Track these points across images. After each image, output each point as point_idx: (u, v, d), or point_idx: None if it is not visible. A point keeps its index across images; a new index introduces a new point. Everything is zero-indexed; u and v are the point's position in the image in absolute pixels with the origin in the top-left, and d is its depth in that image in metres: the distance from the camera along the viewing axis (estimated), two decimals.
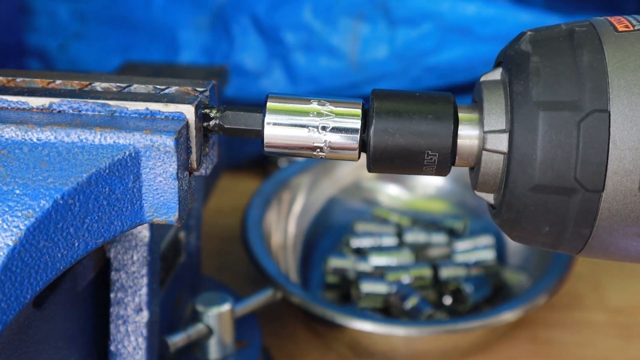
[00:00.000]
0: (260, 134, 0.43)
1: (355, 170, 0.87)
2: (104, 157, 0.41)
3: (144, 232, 0.52)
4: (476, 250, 0.79)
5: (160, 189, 0.42)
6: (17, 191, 0.38)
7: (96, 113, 0.43)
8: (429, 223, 0.84)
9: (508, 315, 0.67)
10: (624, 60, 0.39)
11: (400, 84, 0.89)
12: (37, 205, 0.38)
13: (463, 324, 0.68)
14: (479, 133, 0.41)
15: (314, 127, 0.42)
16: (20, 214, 0.38)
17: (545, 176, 0.39)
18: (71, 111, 0.43)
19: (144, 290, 0.53)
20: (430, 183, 0.88)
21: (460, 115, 0.42)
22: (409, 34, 0.87)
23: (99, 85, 0.45)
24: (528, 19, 0.85)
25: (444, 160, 0.41)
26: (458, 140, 0.41)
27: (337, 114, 0.42)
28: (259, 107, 0.43)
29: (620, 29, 0.40)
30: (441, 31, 0.86)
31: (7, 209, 0.38)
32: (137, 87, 0.45)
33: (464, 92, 0.84)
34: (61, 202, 0.39)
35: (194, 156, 0.43)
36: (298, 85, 0.89)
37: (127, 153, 0.41)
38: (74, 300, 0.51)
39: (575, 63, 0.39)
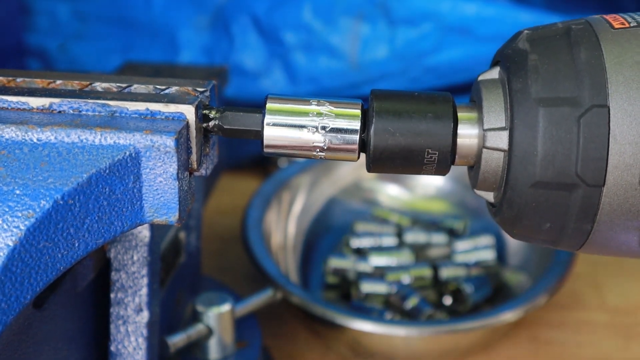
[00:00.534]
0: (259, 134, 0.43)
1: (355, 170, 0.87)
2: (104, 157, 0.41)
3: (144, 232, 0.52)
4: (476, 250, 0.79)
5: (161, 189, 0.42)
6: (18, 191, 0.38)
7: (96, 113, 0.43)
8: (429, 223, 0.84)
9: (508, 315, 0.67)
10: (622, 56, 0.39)
11: (400, 84, 0.89)
12: (38, 206, 0.38)
13: (463, 324, 0.68)
14: (478, 131, 0.41)
15: (313, 127, 0.42)
16: (20, 214, 0.38)
17: (546, 172, 0.39)
18: (71, 111, 0.43)
19: (144, 291, 0.53)
20: (430, 183, 0.88)
21: (459, 114, 0.42)
22: (409, 34, 0.87)
23: (99, 86, 0.45)
24: (528, 19, 0.85)
25: (443, 159, 0.41)
26: (458, 139, 0.41)
27: (337, 115, 0.42)
28: (259, 107, 0.43)
29: (616, 26, 0.40)
30: (441, 31, 0.86)
31: (7, 209, 0.38)
32: (137, 88, 0.45)
33: (464, 92, 0.84)
34: (61, 202, 0.39)
35: (194, 156, 0.43)
36: (298, 85, 0.89)
37: (128, 153, 0.41)
38: (74, 300, 0.51)
39: (573, 60, 0.39)
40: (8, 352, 0.44)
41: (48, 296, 0.47)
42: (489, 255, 0.79)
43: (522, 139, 0.39)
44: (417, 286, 0.76)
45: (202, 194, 0.69)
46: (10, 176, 0.39)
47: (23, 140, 0.41)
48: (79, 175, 0.40)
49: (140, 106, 0.43)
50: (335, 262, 0.78)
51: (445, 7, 0.86)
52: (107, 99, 0.43)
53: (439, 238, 0.81)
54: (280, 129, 0.42)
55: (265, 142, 0.42)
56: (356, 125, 0.42)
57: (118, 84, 0.45)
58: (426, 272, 0.77)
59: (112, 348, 0.54)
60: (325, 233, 0.84)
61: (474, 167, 0.42)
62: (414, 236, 0.81)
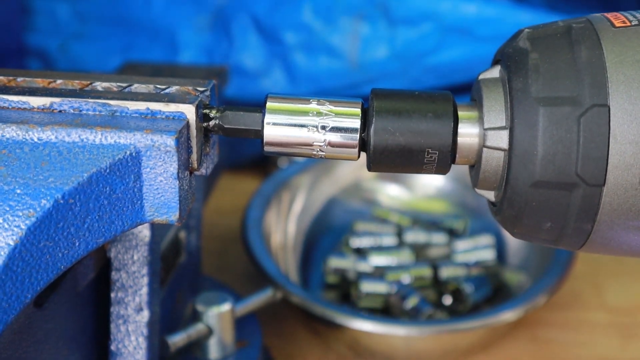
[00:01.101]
0: (259, 133, 0.43)
1: (355, 170, 0.87)
2: (105, 156, 0.41)
3: (144, 231, 0.52)
4: (476, 250, 0.79)
5: (161, 188, 0.42)
6: (18, 191, 0.38)
7: (97, 113, 0.43)
8: (429, 223, 0.84)
9: (508, 315, 0.67)
10: (622, 55, 0.39)
11: (400, 84, 0.89)
12: (38, 205, 0.38)
13: (463, 324, 0.68)
14: (478, 130, 0.41)
15: (313, 126, 0.42)
16: (21, 214, 0.38)
17: (547, 172, 0.39)
18: (72, 111, 0.43)
19: (145, 290, 0.53)
20: (430, 183, 0.88)
21: (459, 113, 0.42)
22: (409, 34, 0.87)
23: (99, 85, 0.45)
24: (528, 19, 0.85)
25: (444, 158, 0.41)
26: (458, 138, 0.41)
27: (337, 114, 0.42)
28: (259, 107, 0.43)
29: (617, 25, 0.40)
30: (441, 31, 0.86)
31: (8, 209, 0.38)
32: (137, 87, 0.45)
33: (464, 92, 0.84)
34: (62, 201, 0.39)
35: (194, 156, 0.43)
36: (298, 85, 0.90)
37: (128, 153, 0.41)
38: (75, 299, 0.51)
39: (573, 59, 0.39)
40: (9, 351, 0.44)
41: (49, 295, 0.47)
42: (489, 255, 0.79)
43: (522, 139, 0.39)
44: (417, 286, 0.76)
45: (202, 194, 0.69)
46: (11, 175, 0.39)
47: (24, 140, 0.41)
48: (79, 175, 0.40)
49: (141, 106, 0.43)
50: (335, 262, 0.78)
51: (445, 7, 0.86)
52: (107, 99, 0.43)
53: (439, 238, 0.81)
54: (281, 128, 0.42)
55: (266, 141, 0.42)
56: (356, 124, 0.42)
57: (118, 84, 0.45)
58: (426, 271, 0.77)
59: (113, 347, 0.54)
60: (325, 233, 0.84)
61: (475, 166, 0.42)
62: (414, 236, 0.81)
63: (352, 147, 0.42)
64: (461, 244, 0.80)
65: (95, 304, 0.54)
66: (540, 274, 0.72)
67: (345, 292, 0.78)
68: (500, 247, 0.80)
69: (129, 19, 0.92)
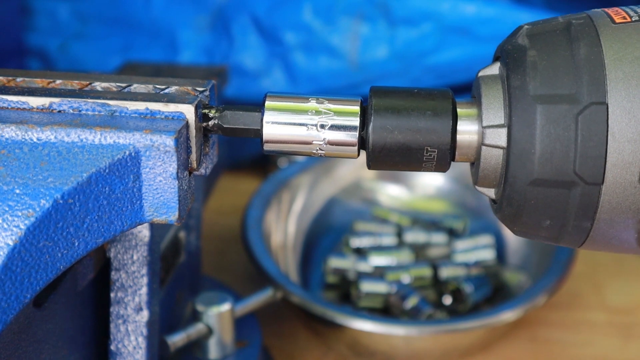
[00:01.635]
0: (259, 133, 0.43)
1: (355, 170, 0.87)
2: (104, 156, 0.41)
3: (144, 231, 0.52)
4: (476, 250, 0.79)
5: (160, 188, 0.42)
6: (17, 191, 0.39)
7: (96, 113, 0.43)
8: (429, 223, 0.84)
9: (508, 315, 0.67)
10: (622, 52, 0.38)
11: (400, 84, 0.88)
12: (37, 205, 0.38)
13: (463, 324, 0.68)
14: (478, 128, 0.41)
15: (312, 125, 0.42)
16: (20, 214, 0.38)
17: (545, 170, 0.39)
18: (71, 111, 0.43)
19: (144, 290, 0.53)
20: (430, 183, 0.88)
21: (459, 110, 0.42)
22: (409, 34, 0.87)
23: (99, 85, 0.45)
24: (528, 18, 0.84)
25: (443, 156, 0.41)
26: (457, 136, 0.41)
27: (336, 112, 0.42)
28: (259, 106, 0.43)
29: (617, 21, 0.40)
30: (441, 31, 0.86)
31: (7, 209, 0.38)
32: (137, 87, 0.45)
33: (464, 92, 0.84)
34: (61, 201, 0.39)
35: (193, 156, 0.43)
36: (298, 85, 0.90)
37: (127, 153, 0.41)
38: (74, 299, 0.51)
39: (572, 56, 0.39)
40: (8, 351, 0.44)
41: (48, 295, 0.47)
42: (488, 254, 0.79)
43: (520, 137, 0.39)
44: (417, 286, 0.76)
45: (202, 194, 0.69)
46: (10, 175, 0.39)
47: (23, 140, 0.41)
48: (78, 175, 0.40)
49: (140, 106, 0.43)
50: (335, 262, 0.78)
51: (445, 7, 0.86)
52: (106, 99, 0.43)
53: (439, 238, 0.81)
54: (280, 126, 0.42)
55: (265, 140, 0.42)
56: (355, 122, 0.42)
57: (118, 84, 0.45)
58: (426, 271, 0.77)
59: (112, 347, 0.54)
60: (325, 233, 0.84)
61: (475, 163, 0.42)
62: (414, 236, 0.81)
63: (352, 145, 0.42)
64: (461, 244, 0.80)
65: (94, 304, 0.54)
66: (540, 274, 0.72)
67: (345, 292, 0.78)
68: (500, 247, 0.80)
69: (129, 19, 0.92)
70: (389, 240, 0.81)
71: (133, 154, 0.41)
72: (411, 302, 0.73)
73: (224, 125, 0.43)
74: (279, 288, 0.69)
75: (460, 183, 0.86)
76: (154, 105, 0.43)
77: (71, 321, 0.51)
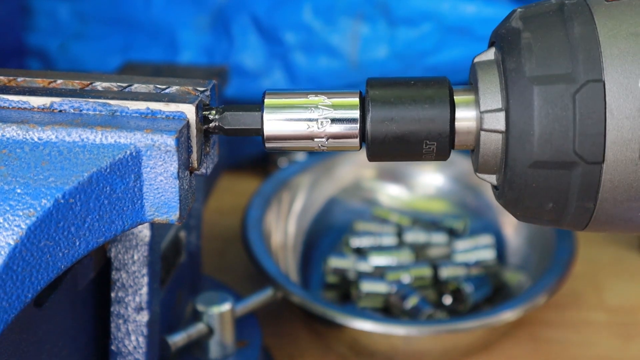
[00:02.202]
0: (260, 131, 0.43)
1: (355, 170, 0.87)
2: (105, 156, 0.41)
3: (144, 231, 0.52)
4: (476, 250, 0.79)
5: (161, 188, 0.42)
6: (19, 190, 0.39)
7: (97, 112, 0.43)
8: (429, 223, 0.84)
9: (508, 315, 0.67)
10: (616, 29, 0.38)
11: None
12: (39, 205, 0.38)
13: (463, 324, 0.68)
14: (476, 114, 0.41)
15: (313, 120, 0.42)
16: (21, 213, 0.38)
17: (544, 152, 0.38)
18: (72, 110, 0.43)
19: (145, 290, 0.53)
20: (431, 183, 0.88)
21: (456, 97, 0.41)
22: (409, 34, 0.87)
23: (99, 85, 0.45)
24: None
25: (442, 146, 0.41)
26: (456, 123, 0.41)
27: (335, 105, 0.42)
28: (259, 104, 0.43)
29: None
30: (441, 31, 0.86)
31: (8, 208, 0.38)
32: (137, 87, 0.45)
33: None
34: (62, 201, 0.39)
35: (194, 155, 0.43)
36: (298, 85, 0.90)
37: (128, 152, 0.41)
38: (75, 299, 0.51)
39: (566, 35, 0.38)
40: (9, 351, 0.44)
41: (49, 295, 0.47)
42: (488, 254, 0.79)
43: (518, 119, 0.39)
44: (417, 286, 0.76)
45: (202, 194, 0.69)
46: (12, 175, 0.39)
47: (24, 139, 0.41)
48: (79, 174, 0.40)
49: (141, 105, 0.43)
50: (335, 262, 0.78)
51: (445, 7, 0.86)
52: (107, 98, 0.43)
53: (439, 238, 0.81)
54: (280, 123, 0.42)
55: (266, 138, 0.42)
56: (355, 114, 0.42)
57: (119, 84, 0.45)
58: (426, 271, 0.77)
59: (113, 347, 0.54)
60: (325, 233, 0.84)
61: (474, 150, 0.42)
62: (414, 236, 0.81)
63: (353, 137, 0.42)
64: (461, 244, 0.80)
65: (95, 304, 0.54)
66: (540, 274, 0.72)
67: (345, 292, 0.78)
68: (500, 247, 0.80)
69: (129, 19, 0.92)
70: (389, 240, 0.81)
71: (134, 154, 0.41)
72: (411, 302, 0.73)
73: (225, 127, 0.43)
74: (279, 288, 0.69)
75: (460, 183, 0.86)
76: (154, 105, 0.43)
77: (72, 321, 0.51)
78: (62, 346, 0.50)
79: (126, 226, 0.42)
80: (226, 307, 0.61)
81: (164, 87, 0.45)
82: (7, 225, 0.37)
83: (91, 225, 0.40)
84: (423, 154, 0.41)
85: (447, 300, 0.76)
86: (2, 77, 0.45)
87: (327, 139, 0.42)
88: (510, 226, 0.81)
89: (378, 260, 0.78)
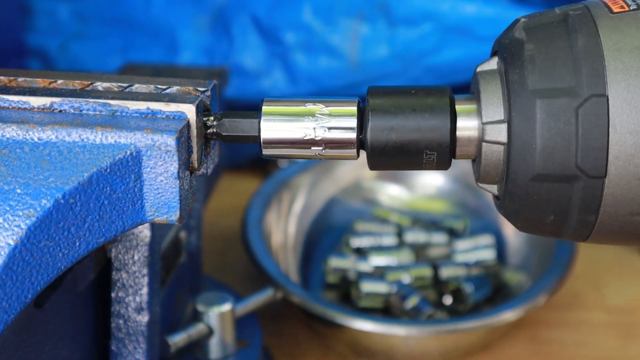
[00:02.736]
0: (257, 139, 0.43)
1: (355, 170, 0.87)
2: (105, 156, 0.41)
3: (144, 231, 0.52)
4: (476, 250, 0.79)
5: (162, 188, 0.42)
6: (19, 190, 0.39)
7: (97, 112, 0.43)
8: (429, 223, 0.84)
9: (508, 315, 0.67)
10: (620, 42, 0.38)
11: (400, 84, 0.88)
12: (39, 205, 0.38)
13: (463, 324, 0.68)
14: (477, 124, 0.41)
15: (310, 128, 0.42)
16: (21, 213, 0.38)
17: (546, 165, 0.38)
18: (72, 111, 0.43)
19: (145, 290, 0.53)
20: (431, 183, 0.88)
21: (457, 107, 0.41)
22: (409, 34, 0.87)
23: (100, 85, 0.45)
24: None
25: (442, 156, 0.41)
26: (457, 133, 0.41)
27: (332, 114, 0.42)
28: (257, 110, 0.43)
29: (615, 10, 0.39)
30: (441, 31, 0.86)
31: (8, 208, 0.38)
32: (138, 87, 0.45)
33: (464, 92, 0.84)
34: (62, 201, 0.39)
35: (195, 155, 0.43)
36: (298, 85, 0.89)
37: (128, 152, 0.41)
38: (75, 300, 0.51)
39: (570, 48, 0.38)
40: (9, 352, 0.44)
41: (49, 295, 0.47)
42: (489, 254, 0.79)
43: (520, 132, 0.38)
44: (417, 286, 0.76)
45: (202, 194, 0.69)
46: (12, 175, 0.39)
47: (24, 140, 0.41)
48: (80, 175, 0.40)
49: (141, 105, 0.43)
50: (335, 262, 0.78)
51: (445, 7, 0.86)
52: (107, 98, 0.43)
53: (439, 238, 0.81)
54: (277, 132, 0.42)
55: (264, 145, 0.42)
56: (352, 123, 0.42)
57: (119, 84, 0.45)
58: (426, 271, 0.77)
59: (113, 347, 0.54)
60: (325, 233, 0.84)
61: (476, 160, 0.42)
62: (414, 236, 0.81)
63: (350, 146, 0.42)
64: (461, 244, 0.80)
65: (95, 304, 0.54)
66: (540, 274, 0.72)
67: (345, 292, 0.77)
68: (500, 247, 0.80)
69: (129, 19, 0.92)
70: (389, 240, 0.81)
71: (134, 154, 0.41)
72: (411, 302, 0.73)
73: (223, 134, 0.43)
74: (279, 288, 0.69)
75: (461, 183, 0.86)
76: (155, 105, 0.43)
77: (72, 321, 0.51)
78: (63, 347, 0.50)
79: (126, 226, 0.42)
80: (226, 307, 0.61)
81: (164, 87, 0.45)
82: (7, 226, 0.37)
83: (91, 226, 0.40)
84: (424, 163, 0.41)
85: (447, 300, 0.76)
86: (2, 77, 0.45)
87: (325, 147, 0.42)
88: (510, 226, 0.81)
89: (378, 260, 0.78)
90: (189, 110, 0.43)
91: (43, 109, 0.43)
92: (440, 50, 0.87)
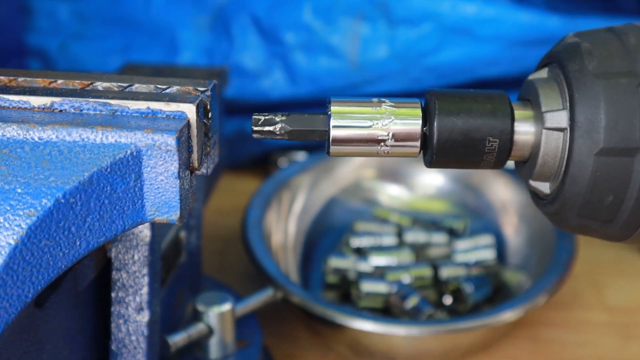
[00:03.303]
0: (324, 135, 0.44)
1: (355, 170, 0.87)
2: (106, 156, 0.41)
3: (145, 231, 0.52)
4: (476, 250, 0.79)
5: (162, 187, 0.42)
6: (19, 190, 0.39)
7: (97, 112, 0.43)
8: (429, 223, 0.84)
9: (508, 315, 0.67)
10: None
11: (400, 84, 0.89)
12: (39, 204, 0.38)
13: (463, 324, 0.68)
14: (534, 129, 0.43)
15: (377, 126, 0.43)
16: (22, 213, 0.38)
17: (611, 139, 0.40)
18: (72, 110, 0.43)
19: (145, 290, 0.53)
20: (431, 183, 0.88)
21: (515, 108, 0.43)
22: (409, 34, 0.87)
23: (100, 85, 0.45)
24: (528, 19, 0.85)
25: (504, 146, 0.43)
26: (515, 128, 0.43)
27: (398, 113, 0.44)
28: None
29: None
30: (441, 31, 0.86)
31: (8, 208, 0.38)
32: (138, 87, 0.45)
33: None
34: (63, 201, 0.39)
35: (195, 155, 0.43)
36: (298, 85, 0.90)
37: (129, 152, 0.41)
38: (75, 299, 0.51)
39: (623, 44, 0.41)
40: (9, 351, 0.44)
41: (49, 295, 0.47)
42: (489, 254, 0.79)
43: (584, 111, 0.41)
44: (417, 286, 0.76)
45: (202, 194, 0.69)
46: (12, 175, 0.39)
47: (24, 139, 0.41)
48: (80, 174, 0.40)
49: (142, 105, 0.43)
50: (335, 262, 0.78)
51: (445, 7, 0.86)
52: (108, 98, 0.43)
53: (439, 238, 0.82)
54: (346, 130, 0.43)
55: (332, 143, 0.43)
56: (418, 121, 0.43)
57: (119, 84, 0.45)
58: (426, 271, 0.77)
59: (113, 347, 0.54)
60: (325, 233, 0.84)
61: (530, 157, 0.44)
62: (414, 236, 0.82)
63: (414, 144, 0.44)
64: (461, 244, 0.80)
65: (95, 304, 0.54)
66: (540, 274, 0.72)
67: (345, 292, 0.78)
68: (500, 247, 0.80)
69: (129, 19, 0.92)
70: (389, 240, 0.81)
71: (134, 153, 0.41)
72: (411, 302, 0.73)
73: (290, 128, 0.44)
74: (279, 288, 0.69)
75: (460, 183, 0.86)
76: (155, 105, 0.43)
77: (72, 321, 0.51)
78: (63, 346, 0.50)
79: (127, 226, 0.42)
80: (226, 307, 0.61)
81: (164, 87, 0.45)
82: (7, 225, 0.37)
83: (92, 225, 0.40)
84: (484, 157, 0.43)
85: (447, 300, 0.76)
86: (2, 77, 0.45)
87: (390, 144, 0.44)
88: (510, 226, 0.82)
89: (378, 260, 0.78)
90: (189, 110, 0.43)
91: (43, 108, 0.43)
92: (440, 50, 0.87)
